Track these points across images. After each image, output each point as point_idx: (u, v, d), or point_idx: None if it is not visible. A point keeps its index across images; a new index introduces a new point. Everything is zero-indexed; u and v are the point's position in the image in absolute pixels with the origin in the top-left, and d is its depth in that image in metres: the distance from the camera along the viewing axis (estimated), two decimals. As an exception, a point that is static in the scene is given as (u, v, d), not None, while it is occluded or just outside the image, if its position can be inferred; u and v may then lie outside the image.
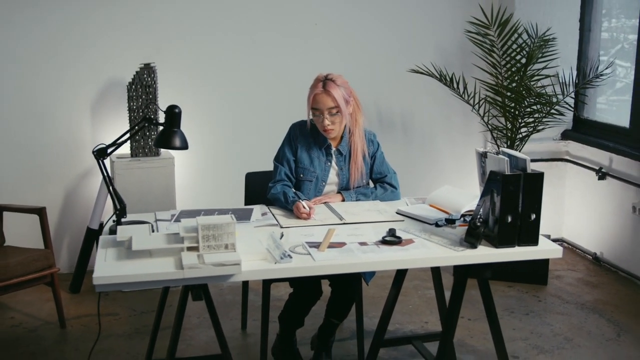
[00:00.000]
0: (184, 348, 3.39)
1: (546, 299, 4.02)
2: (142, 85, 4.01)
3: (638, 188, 4.13)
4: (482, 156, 2.61)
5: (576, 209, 4.79)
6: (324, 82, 2.92)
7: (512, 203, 2.42)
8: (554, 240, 4.93)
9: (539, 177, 2.44)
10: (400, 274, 3.02)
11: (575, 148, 4.74)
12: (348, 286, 3.02)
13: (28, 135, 4.18)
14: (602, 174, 4.42)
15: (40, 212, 3.65)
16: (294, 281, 2.99)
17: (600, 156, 4.47)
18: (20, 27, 4.06)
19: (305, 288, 2.97)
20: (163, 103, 4.23)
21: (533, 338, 3.52)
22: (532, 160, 4.58)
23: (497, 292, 4.10)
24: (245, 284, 3.59)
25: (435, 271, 3.07)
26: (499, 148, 4.34)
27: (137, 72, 4.01)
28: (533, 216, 2.45)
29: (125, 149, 4.12)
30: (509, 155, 2.50)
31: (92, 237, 4.03)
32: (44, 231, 3.64)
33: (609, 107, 4.55)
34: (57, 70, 4.16)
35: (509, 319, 3.75)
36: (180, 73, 4.33)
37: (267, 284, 3.07)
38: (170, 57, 4.29)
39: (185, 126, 4.31)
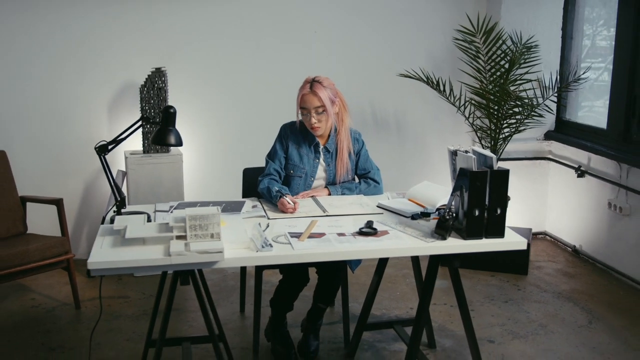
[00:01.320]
0: (186, 329, 3.41)
1: (525, 288, 3.98)
2: (154, 88, 4.03)
3: (613, 185, 4.08)
4: (453, 154, 2.59)
5: (558, 205, 4.74)
6: (312, 83, 2.91)
7: (479, 198, 2.39)
8: (537, 234, 4.90)
9: (504, 174, 2.40)
10: (382, 263, 3.01)
11: (557, 148, 4.68)
12: (333, 274, 3.01)
13: (50, 133, 4.22)
14: (581, 172, 4.37)
15: (58, 202, 3.69)
16: (283, 268, 2.99)
17: (580, 155, 4.42)
18: (44, 33, 4.10)
19: (292, 275, 2.96)
20: (173, 104, 4.25)
21: (510, 324, 3.48)
22: (518, 159, 4.64)
23: (480, 281, 4.07)
24: (243, 270, 3.60)
25: (415, 261, 3.05)
26: (483, 147, 4.31)
27: (149, 75, 4.03)
28: (499, 210, 2.41)
29: (138, 145, 4.16)
30: (478, 154, 2.48)
31: (107, 226, 4.06)
32: (61, 220, 3.68)
33: (606, 110, 4.45)
34: (76, 73, 4.19)
35: (489, 306, 3.72)
36: (189, 76, 4.34)
37: (259, 270, 3.08)
38: (179, 61, 4.31)
39: (192, 125, 4.37)
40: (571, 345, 3.25)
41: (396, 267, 4.25)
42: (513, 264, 4.17)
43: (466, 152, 2.49)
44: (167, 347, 3.02)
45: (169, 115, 2.61)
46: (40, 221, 4.02)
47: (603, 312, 3.63)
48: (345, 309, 3.18)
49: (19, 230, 3.74)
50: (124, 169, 4.09)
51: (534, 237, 4.87)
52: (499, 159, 4.30)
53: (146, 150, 4.11)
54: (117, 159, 4.26)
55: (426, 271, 2.59)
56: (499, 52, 4.19)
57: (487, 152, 2.45)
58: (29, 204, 3.83)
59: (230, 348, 3.03)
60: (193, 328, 3.41)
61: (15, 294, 3.85)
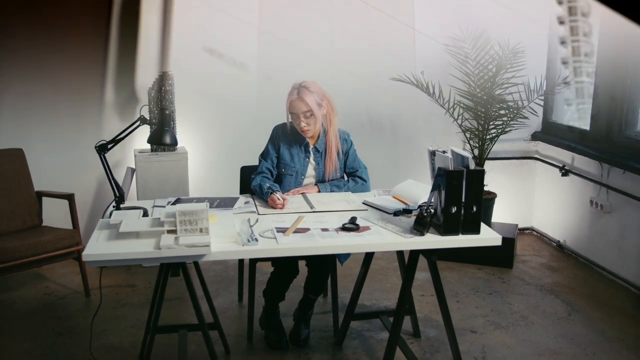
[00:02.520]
0: (187, 316, 3.40)
1: (510, 281, 3.92)
2: (161, 91, 4.02)
3: (595, 184, 4.00)
4: (432, 154, 2.55)
5: (543, 202, 4.67)
6: (299, 89, 2.87)
7: (456, 196, 2.35)
8: (524, 229, 4.84)
9: (479, 173, 2.36)
10: (369, 256, 2.97)
11: (543, 148, 4.61)
12: (321, 266, 2.98)
13: (65, 132, 4.22)
14: (565, 171, 4.30)
15: (70, 197, 3.69)
16: (274, 261, 2.97)
17: (564, 155, 4.35)
18: (61, 40, 4.09)
19: (283, 267, 2.94)
20: (179, 106, 4.24)
21: (492, 315, 3.43)
22: (506, 159, 4.58)
23: (467, 274, 4.02)
24: (241, 262, 3.58)
25: (400, 255, 3.01)
26: (471, 147, 4.25)
27: (156, 79, 4.02)
28: (475, 208, 2.37)
29: (147, 144, 4.15)
30: (455, 154, 2.43)
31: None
32: (72, 214, 3.68)
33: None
34: (90, 76, 4.18)
35: (474, 297, 3.67)
36: (194, 80, 4.32)
37: (253, 263, 3.06)
38: (184, 66, 4.28)
39: (197, 125, 4.35)
40: (550, 336, 3.19)
41: (388, 260, 4.21)
42: (499, 257, 4.12)
43: (444, 152, 2.45)
44: (166, 334, 3.02)
45: (164, 117, 2.59)
46: (55, 214, 4.02)
47: (582, 304, 3.57)
48: (334, 300, 3.15)
49: (34, 222, 3.75)
50: (133, 166, 4.08)
51: (521, 232, 4.81)
52: (486, 158, 4.24)
53: (154, 149, 4.10)
54: (127, 157, 4.26)
55: (407, 264, 2.55)
56: (487, 57, 4.13)
57: (464, 152, 2.41)
58: (44, 198, 3.84)
59: (225, 335, 3.02)
60: (193, 316, 3.38)
61: (32, 282, 3.86)
